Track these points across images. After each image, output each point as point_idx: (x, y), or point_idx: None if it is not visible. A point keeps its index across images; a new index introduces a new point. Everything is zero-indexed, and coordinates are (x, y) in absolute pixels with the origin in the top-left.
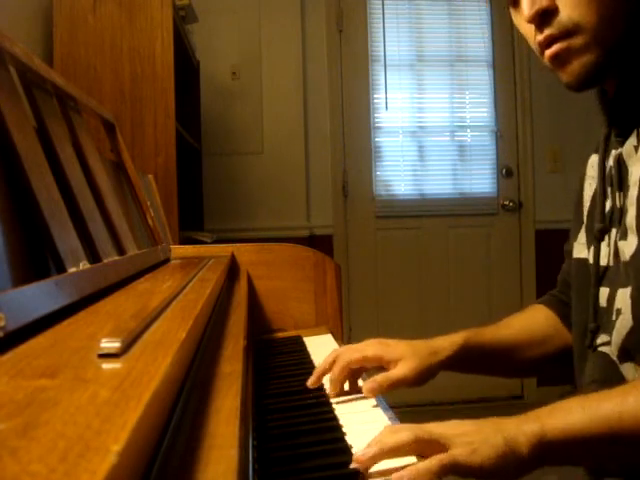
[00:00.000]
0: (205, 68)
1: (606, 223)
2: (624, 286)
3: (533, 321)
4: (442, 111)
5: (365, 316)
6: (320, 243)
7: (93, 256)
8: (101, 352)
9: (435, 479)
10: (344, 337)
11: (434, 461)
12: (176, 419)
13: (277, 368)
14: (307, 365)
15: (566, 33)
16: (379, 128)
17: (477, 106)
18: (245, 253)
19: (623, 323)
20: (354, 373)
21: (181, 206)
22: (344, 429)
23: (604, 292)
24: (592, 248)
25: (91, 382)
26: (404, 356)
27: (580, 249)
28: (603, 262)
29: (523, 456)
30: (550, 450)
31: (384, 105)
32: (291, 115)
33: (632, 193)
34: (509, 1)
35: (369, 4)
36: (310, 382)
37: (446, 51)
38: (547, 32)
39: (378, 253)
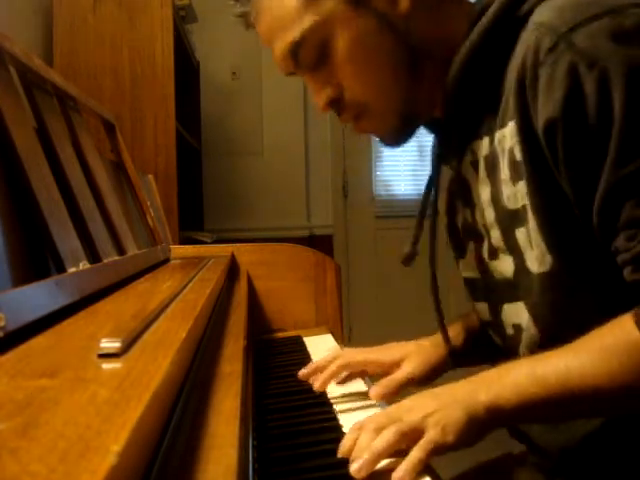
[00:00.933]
0: (205, 68)
1: (470, 237)
2: (511, 301)
3: None
4: None
5: (365, 316)
6: (320, 243)
7: (93, 256)
8: (101, 352)
9: (424, 465)
10: (344, 337)
11: (420, 450)
12: (176, 419)
13: (277, 368)
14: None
15: (360, 111)
16: None
17: None
18: (245, 253)
19: (530, 338)
20: (351, 376)
21: (181, 206)
22: (344, 429)
23: (482, 306)
24: (460, 263)
25: (91, 382)
26: (407, 355)
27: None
28: (469, 275)
29: (481, 423)
30: (506, 415)
31: None
32: (291, 115)
33: (488, 215)
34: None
35: None
36: (301, 372)
37: None
38: (346, 115)
39: (378, 253)
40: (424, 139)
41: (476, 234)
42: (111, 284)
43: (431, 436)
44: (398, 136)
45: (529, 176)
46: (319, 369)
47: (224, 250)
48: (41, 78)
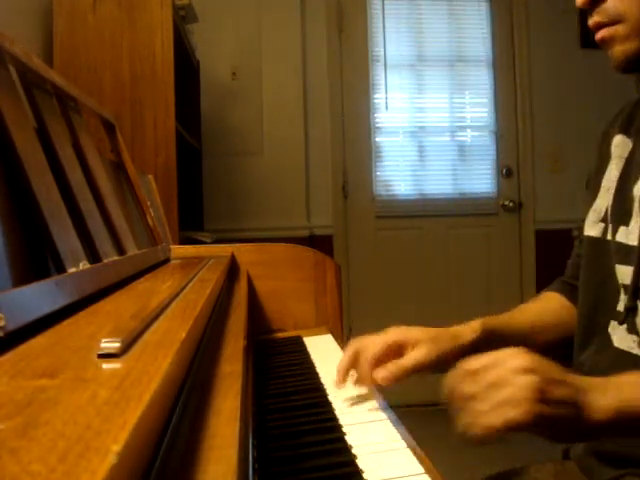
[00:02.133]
0: (205, 68)
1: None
2: None
3: (547, 307)
4: (442, 111)
5: (365, 316)
6: (320, 243)
7: (93, 256)
8: (101, 352)
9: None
10: (344, 337)
11: (534, 403)
12: (176, 419)
13: (277, 368)
14: (307, 365)
15: (611, 21)
16: (379, 128)
17: (477, 106)
18: (245, 253)
19: None
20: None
21: (181, 206)
22: (344, 429)
23: (626, 270)
24: (624, 230)
25: (91, 382)
26: (422, 339)
27: (591, 227)
28: (624, 240)
29: (593, 427)
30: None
31: (384, 105)
32: (291, 115)
33: None
34: None
35: (369, 4)
36: (337, 382)
37: (446, 51)
38: (596, 18)
39: (378, 253)
40: (424, 139)
41: None
42: (111, 284)
43: (551, 409)
44: (628, 61)
45: None
46: (347, 371)
47: (224, 250)
48: (41, 78)
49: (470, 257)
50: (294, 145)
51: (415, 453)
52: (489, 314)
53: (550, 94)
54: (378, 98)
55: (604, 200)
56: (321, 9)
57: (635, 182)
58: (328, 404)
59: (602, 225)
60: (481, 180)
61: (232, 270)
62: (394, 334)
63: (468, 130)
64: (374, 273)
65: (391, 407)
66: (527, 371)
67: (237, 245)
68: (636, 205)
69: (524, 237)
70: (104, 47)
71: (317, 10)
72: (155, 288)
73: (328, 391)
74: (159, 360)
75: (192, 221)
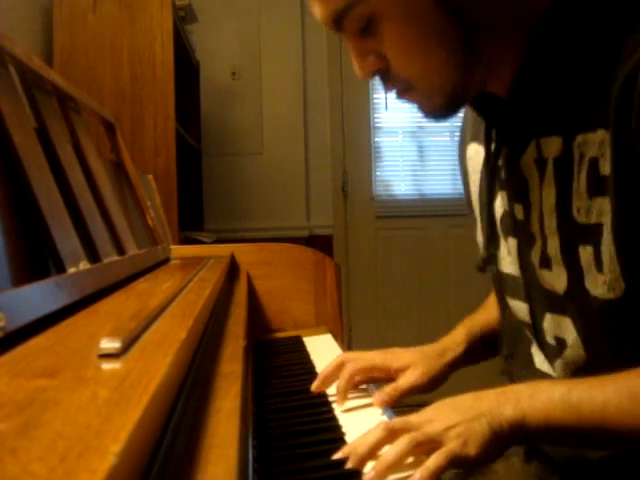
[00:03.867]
0: (205, 68)
1: (509, 232)
2: (555, 313)
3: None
4: None
5: (365, 316)
6: (320, 243)
7: (93, 256)
8: (101, 352)
9: (440, 474)
10: (344, 337)
11: (439, 458)
12: (176, 419)
13: (277, 368)
14: (307, 365)
15: (405, 87)
16: (379, 128)
17: None
18: (245, 253)
19: (574, 357)
20: (359, 383)
21: (181, 206)
22: (344, 429)
23: (521, 306)
24: (494, 255)
25: (91, 382)
26: (412, 363)
27: (482, 253)
28: (507, 270)
29: (505, 438)
30: (529, 435)
31: (384, 105)
32: (291, 115)
33: (549, 221)
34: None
35: None
36: (314, 386)
37: None
38: (390, 86)
39: (378, 253)
40: (424, 139)
41: (527, 234)
42: (111, 284)
43: (451, 447)
44: (442, 113)
45: (616, 195)
46: (329, 378)
47: (224, 250)
48: (41, 78)
49: (470, 257)
50: (294, 145)
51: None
52: None
53: None
54: (378, 98)
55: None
56: None
57: (494, 199)
58: (328, 404)
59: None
60: None
61: (232, 270)
62: (381, 358)
63: None
64: (374, 273)
65: (390, 407)
66: (392, 433)
67: (237, 245)
68: (498, 226)
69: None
70: (104, 47)
71: None
72: (155, 288)
73: (328, 391)
74: (159, 360)
75: (192, 221)
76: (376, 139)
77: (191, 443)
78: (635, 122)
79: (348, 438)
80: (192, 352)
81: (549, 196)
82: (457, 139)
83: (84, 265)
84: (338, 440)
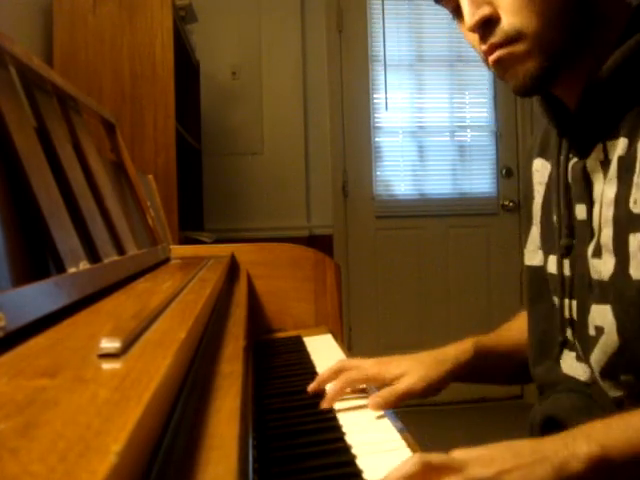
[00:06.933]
0: (205, 68)
1: (573, 237)
2: (599, 303)
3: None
4: (442, 111)
5: (365, 316)
6: (320, 243)
7: (93, 256)
8: (101, 352)
9: None
10: (344, 337)
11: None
12: (176, 419)
13: (277, 368)
14: (307, 365)
15: (508, 40)
16: (379, 128)
17: (477, 106)
18: (245, 253)
19: (608, 343)
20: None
21: (181, 206)
22: (344, 429)
23: (571, 304)
24: (554, 259)
25: (91, 382)
26: (408, 370)
27: (531, 256)
28: (565, 272)
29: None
30: (614, 470)
31: (384, 105)
32: (291, 115)
33: (606, 213)
34: (452, 13)
35: (369, 4)
36: (310, 388)
37: (446, 51)
38: (490, 41)
39: (378, 253)
40: (424, 139)
41: (584, 232)
42: (111, 284)
43: (471, 472)
44: (532, 82)
45: None
46: (326, 382)
47: (224, 250)
48: (41, 78)
49: (470, 257)
50: (294, 145)
51: (415, 453)
52: (489, 314)
53: None
54: (378, 98)
55: (537, 227)
56: (321, 9)
57: (556, 209)
58: None
59: (541, 253)
60: (481, 180)
61: (232, 270)
62: (375, 368)
63: (468, 130)
64: (374, 273)
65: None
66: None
67: (237, 245)
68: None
69: (524, 237)
70: (104, 47)
71: (317, 10)
72: (155, 288)
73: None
74: (159, 360)
75: (192, 221)
76: (376, 139)
77: (191, 443)
78: None
79: (348, 438)
80: (192, 352)
81: (610, 190)
82: (457, 139)
83: (84, 265)
84: (338, 440)
